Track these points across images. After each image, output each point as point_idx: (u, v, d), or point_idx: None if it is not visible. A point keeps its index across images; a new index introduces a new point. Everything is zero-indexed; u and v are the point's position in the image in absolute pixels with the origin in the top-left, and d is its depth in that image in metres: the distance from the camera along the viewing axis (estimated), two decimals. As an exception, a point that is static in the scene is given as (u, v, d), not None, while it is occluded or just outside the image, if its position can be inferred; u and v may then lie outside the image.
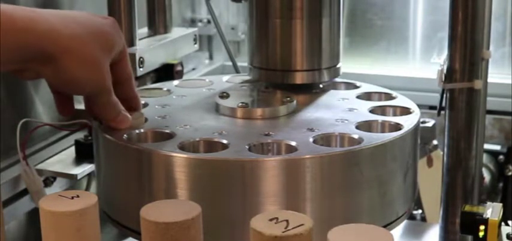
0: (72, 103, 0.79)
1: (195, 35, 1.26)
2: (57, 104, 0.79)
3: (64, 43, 0.68)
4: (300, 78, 0.91)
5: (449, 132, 0.88)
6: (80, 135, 1.02)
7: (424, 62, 1.63)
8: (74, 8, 1.12)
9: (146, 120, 0.81)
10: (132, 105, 0.80)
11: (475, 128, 0.87)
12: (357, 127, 0.79)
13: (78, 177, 0.98)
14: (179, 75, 1.17)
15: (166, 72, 1.15)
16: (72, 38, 0.68)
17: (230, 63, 1.36)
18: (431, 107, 1.45)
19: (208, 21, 1.62)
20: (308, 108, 0.86)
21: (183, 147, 0.73)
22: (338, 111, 0.85)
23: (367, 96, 0.91)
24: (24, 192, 0.98)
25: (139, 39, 1.12)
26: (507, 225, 0.98)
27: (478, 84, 0.85)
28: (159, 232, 0.57)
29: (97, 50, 0.71)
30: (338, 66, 0.93)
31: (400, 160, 0.77)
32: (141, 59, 1.07)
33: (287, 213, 0.56)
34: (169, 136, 0.77)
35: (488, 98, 0.89)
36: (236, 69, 1.32)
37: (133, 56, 1.06)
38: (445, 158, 0.89)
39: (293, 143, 0.74)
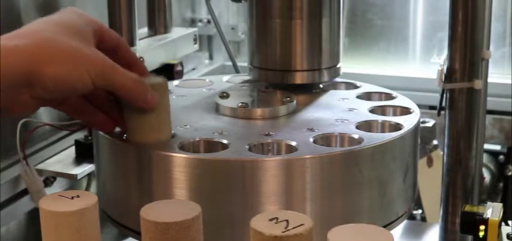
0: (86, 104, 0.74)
1: (195, 35, 1.26)
2: (74, 114, 0.74)
3: (35, 56, 0.63)
4: (300, 78, 0.91)
5: (449, 132, 0.88)
6: (80, 135, 1.02)
7: (424, 62, 1.63)
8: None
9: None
10: (136, 70, 0.72)
11: (475, 128, 0.87)
12: (357, 127, 0.79)
13: (78, 177, 0.98)
14: (179, 75, 1.17)
15: (166, 72, 1.15)
16: (39, 47, 0.64)
17: (230, 63, 1.36)
18: (431, 107, 1.45)
19: (208, 21, 1.62)
20: (308, 108, 0.86)
21: (183, 147, 0.73)
22: (338, 111, 0.85)
23: (367, 96, 0.91)
24: (24, 192, 0.98)
25: (140, 39, 1.12)
26: (507, 225, 0.98)
27: (478, 84, 0.85)
28: (159, 232, 0.57)
29: (67, 40, 0.65)
30: (338, 66, 0.93)
31: (400, 160, 0.77)
32: (141, 59, 1.07)
33: (287, 213, 0.56)
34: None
35: (488, 98, 0.89)
36: (236, 69, 1.32)
37: (133, 56, 1.06)
38: (445, 158, 0.89)
39: (293, 143, 0.74)
